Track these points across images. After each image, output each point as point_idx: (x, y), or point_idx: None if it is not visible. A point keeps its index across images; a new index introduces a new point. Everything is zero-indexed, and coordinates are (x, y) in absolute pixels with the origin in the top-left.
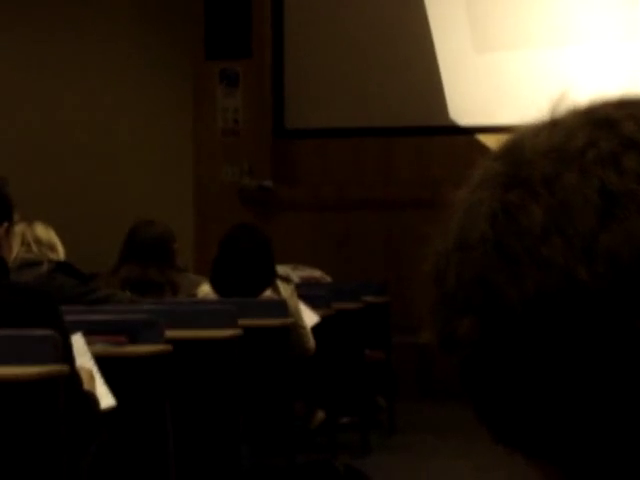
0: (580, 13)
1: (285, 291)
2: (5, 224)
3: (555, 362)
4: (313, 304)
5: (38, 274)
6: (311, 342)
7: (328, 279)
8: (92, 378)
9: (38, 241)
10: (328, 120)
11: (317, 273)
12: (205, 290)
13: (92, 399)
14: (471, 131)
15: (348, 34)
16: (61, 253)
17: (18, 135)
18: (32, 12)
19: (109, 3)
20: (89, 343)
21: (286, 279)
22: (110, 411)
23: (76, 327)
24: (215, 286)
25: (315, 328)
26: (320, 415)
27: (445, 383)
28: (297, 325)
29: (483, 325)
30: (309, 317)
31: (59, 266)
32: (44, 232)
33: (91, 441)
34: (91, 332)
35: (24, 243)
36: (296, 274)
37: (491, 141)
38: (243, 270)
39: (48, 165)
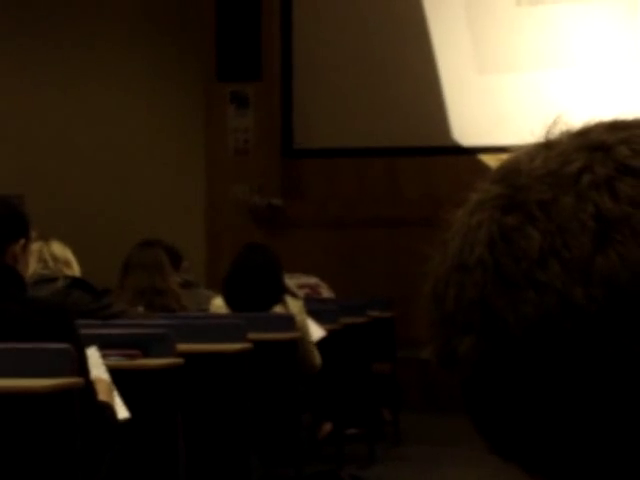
0: (582, 36)
1: (294, 307)
2: (22, 241)
3: (553, 384)
4: (321, 319)
5: (54, 290)
6: (317, 359)
7: (325, 286)
8: (111, 389)
9: (54, 258)
10: (335, 140)
11: (313, 280)
12: (218, 304)
13: (109, 410)
14: (474, 151)
15: (354, 58)
16: (76, 269)
17: (34, 158)
18: (44, 36)
19: (121, 26)
20: (103, 357)
21: (295, 295)
22: (124, 422)
23: (91, 341)
24: (227, 301)
25: (322, 342)
26: (327, 427)
27: (449, 395)
28: (304, 341)
29: (482, 346)
30: (315, 331)
31: (74, 282)
32: (60, 249)
33: (105, 452)
34: (105, 346)
35: (41, 259)
36: (292, 282)
37: (493, 161)
38: (253, 286)
39: (62, 182)
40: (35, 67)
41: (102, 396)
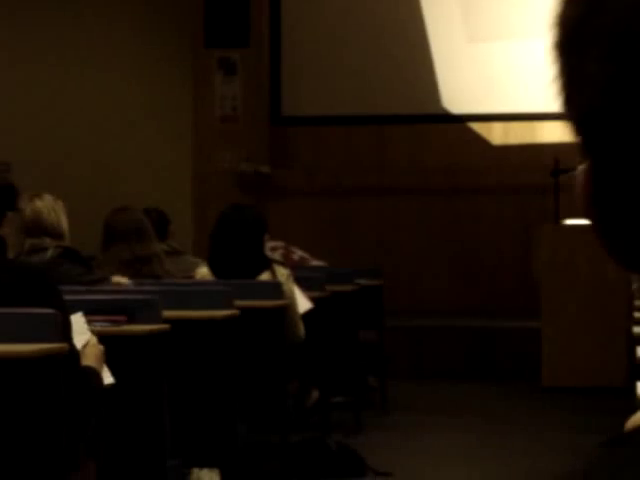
0: None
1: (282, 275)
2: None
3: None
4: (308, 286)
5: (45, 259)
6: (301, 330)
7: (299, 252)
8: (102, 355)
9: (42, 224)
10: (324, 108)
11: (279, 244)
12: (203, 272)
13: (95, 376)
14: (463, 119)
15: (344, 24)
16: (66, 236)
17: (21, 125)
18: (28, 5)
19: None
20: (88, 322)
21: (283, 263)
22: (109, 388)
23: (76, 307)
24: (212, 268)
25: (310, 310)
26: (315, 394)
27: (435, 364)
28: (290, 310)
29: (614, 70)
30: (302, 303)
31: (65, 252)
32: (51, 215)
33: (90, 417)
34: (91, 312)
35: (29, 228)
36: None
37: (483, 129)
38: (238, 251)
39: (49, 150)
40: (20, 37)
41: (91, 361)
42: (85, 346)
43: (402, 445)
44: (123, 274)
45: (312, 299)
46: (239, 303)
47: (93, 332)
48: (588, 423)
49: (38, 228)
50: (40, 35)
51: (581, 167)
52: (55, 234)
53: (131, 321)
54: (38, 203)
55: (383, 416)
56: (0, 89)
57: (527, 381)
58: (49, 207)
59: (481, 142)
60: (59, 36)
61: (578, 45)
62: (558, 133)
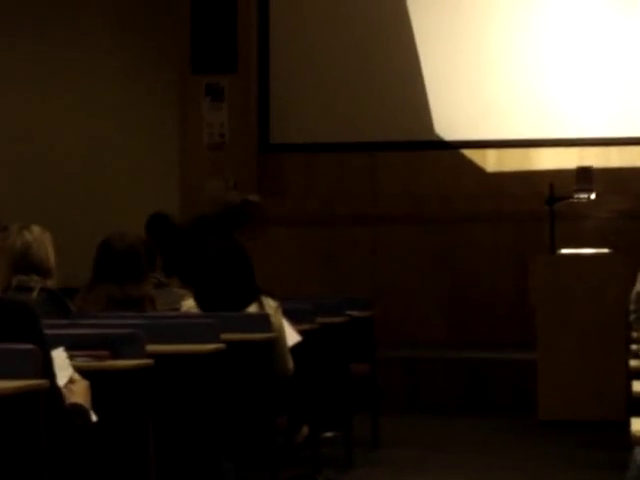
0: (562, 32)
1: (270, 307)
2: None
3: None
4: (298, 318)
5: (30, 300)
6: (290, 363)
7: None
8: (88, 391)
9: (32, 261)
10: (313, 135)
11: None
12: (189, 305)
13: (85, 412)
14: (456, 146)
15: (333, 50)
16: (54, 272)
17: (4, 155)
18: (18, 29)
19: (96, 18)
20: (70, 358)
21: (272, 295)
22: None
23: (58, 342)
24: (199, 300)
25: (299, 342)
26: (304, 430)
27: (429, 397)
28: (278, 343)
29: None
30: (291, 336)
31: (50, 296)
32: (41, 250)
33: (74, 456)
34: (73, 347)
35: (17, 264)
36: None
37: (476, 156)
38: (224, 282)
39: (33, 176)
40: (3, 65)
41: (80, 398)
42: (70, 382)
43: None
44: (110, 311)
45: (301, 331)
46: (226, 336)
47: (75, 368)
48: (585, 458)
49: (26, 264)
50: (25, 63)
51: None
52: (43, 270)
53: (114, 356)
54: (27, 236)
55: (375, 452)
56: None
57: (523, 414)
58: (38, 241)
59: (475, 169)
60: (44, 63)
61: None
62: (553, 160)
